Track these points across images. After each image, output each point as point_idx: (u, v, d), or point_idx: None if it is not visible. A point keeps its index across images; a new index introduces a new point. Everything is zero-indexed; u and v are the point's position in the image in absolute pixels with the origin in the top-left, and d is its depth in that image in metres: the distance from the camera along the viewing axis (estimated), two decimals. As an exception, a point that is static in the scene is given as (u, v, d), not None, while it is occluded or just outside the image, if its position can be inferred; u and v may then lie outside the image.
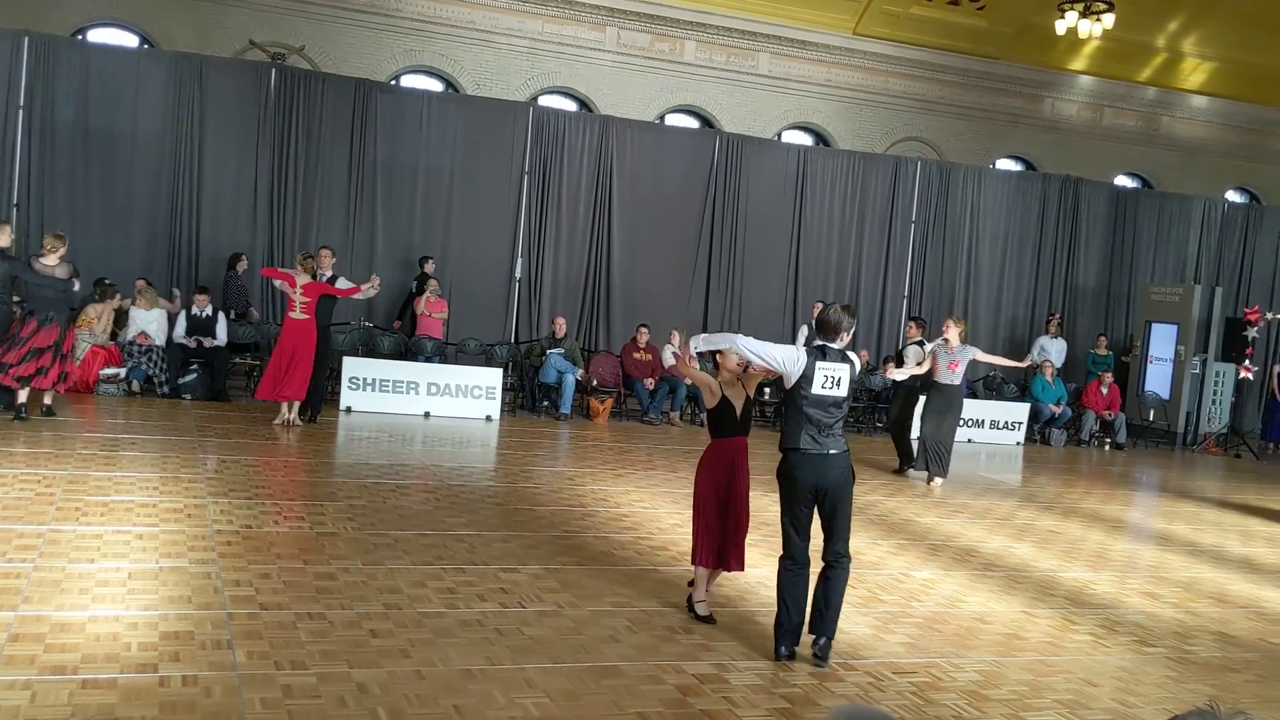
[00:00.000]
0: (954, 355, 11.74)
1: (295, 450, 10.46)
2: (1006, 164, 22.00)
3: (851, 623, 6.37)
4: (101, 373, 12.79)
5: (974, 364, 13.54)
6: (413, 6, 17.74)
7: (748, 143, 18.63)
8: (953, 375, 11.76)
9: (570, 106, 18.87)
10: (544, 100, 18.65)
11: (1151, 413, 18.32)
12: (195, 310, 13.62)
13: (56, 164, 14.88)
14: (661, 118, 19.48)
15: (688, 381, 15.21)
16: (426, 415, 13.67)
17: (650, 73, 19.27)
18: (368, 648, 5.23)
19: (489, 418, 13.91)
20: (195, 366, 13.29)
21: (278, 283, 12.01)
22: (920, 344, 12.87)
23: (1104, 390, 17.29)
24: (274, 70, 15.94)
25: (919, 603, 7.01)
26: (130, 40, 16.78)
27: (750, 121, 19.78)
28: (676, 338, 15.82)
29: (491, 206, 17.01)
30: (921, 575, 7.74)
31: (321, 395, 12.38)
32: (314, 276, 11.79)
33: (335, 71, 16.83)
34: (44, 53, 14.72)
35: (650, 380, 15.08)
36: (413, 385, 13.79)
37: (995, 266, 20.05)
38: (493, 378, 14.15)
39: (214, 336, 13.50)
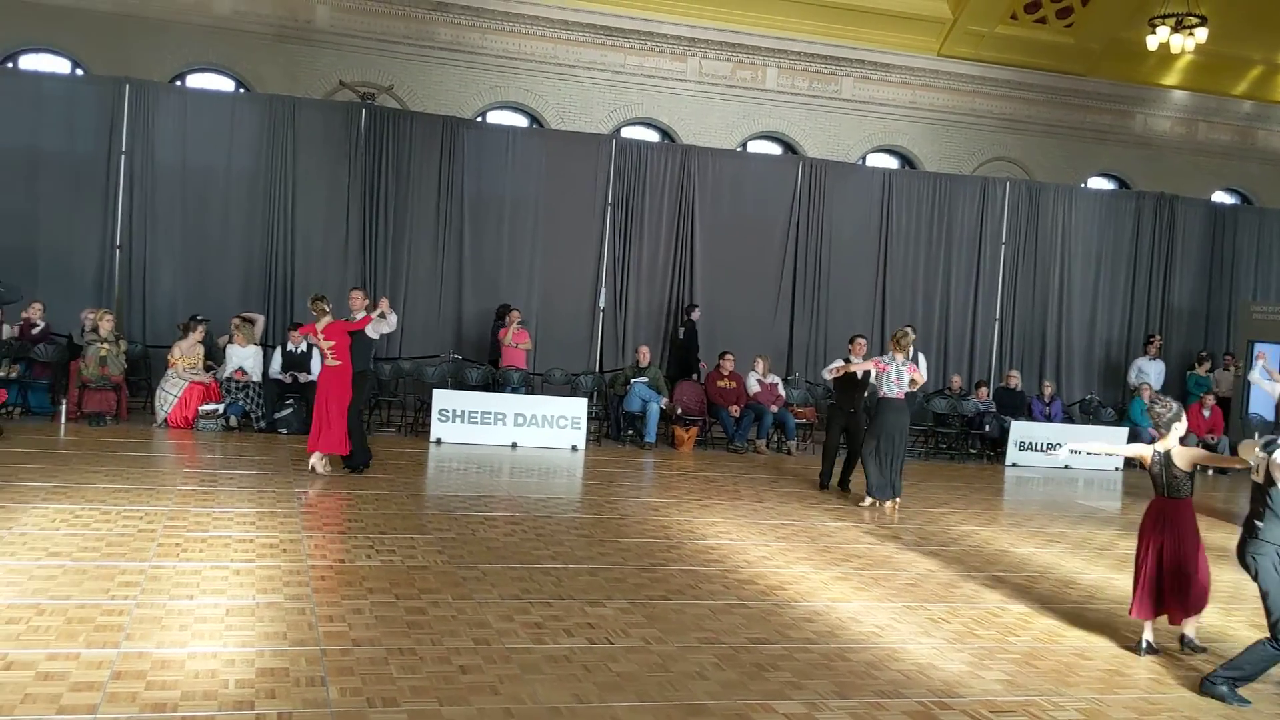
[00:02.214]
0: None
1: (386, 483, 10.61)
2: (1098, 182, 21.53)
3: (946, 659, 6.25)
4: (200, 409, 13.14)
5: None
6: (497, 44, 18.05)
7: (831, 167, 18.52)
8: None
9: (653, 137, 18.97)
10: (626, 131, 18.79)
11: (1256, 436, 17.64)
12: (290, 346, 13.94)
13: (157, 206, 15.40)
14: (744, 145, 19.48)
15: (773, 409, 15.17)
16: (514, 446, 13.79)
17: (732, 100, 19.30)
18: (457, 684, 5.27)
19: (574, 448, 13.98)
20: (290, 401, 13.60)
21: (311, 339, 11.30)
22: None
23: (1205, 413, 16.72)
24: (363, 110, 16.32)
25: (1016, 638, 6.84)
26: (226, 84, 17.33)
27: (833, 146, 19.68)
28: (761, 364, 15.81)
29: (575, 238, 17.16)
30: (1018, 609, 7.55)
31: (363, 441, 11.18)
32: (334, 317, 11.11)
33: (423, 109, 17.18)
34: (144, 98, 15.28)
35: (735, 408, 14.99)
36: (500, 416, 13.94)
37: (1088, 287, 19.58)
38: (578, 408, 14.24)
39: (308, 372, 13.78)
